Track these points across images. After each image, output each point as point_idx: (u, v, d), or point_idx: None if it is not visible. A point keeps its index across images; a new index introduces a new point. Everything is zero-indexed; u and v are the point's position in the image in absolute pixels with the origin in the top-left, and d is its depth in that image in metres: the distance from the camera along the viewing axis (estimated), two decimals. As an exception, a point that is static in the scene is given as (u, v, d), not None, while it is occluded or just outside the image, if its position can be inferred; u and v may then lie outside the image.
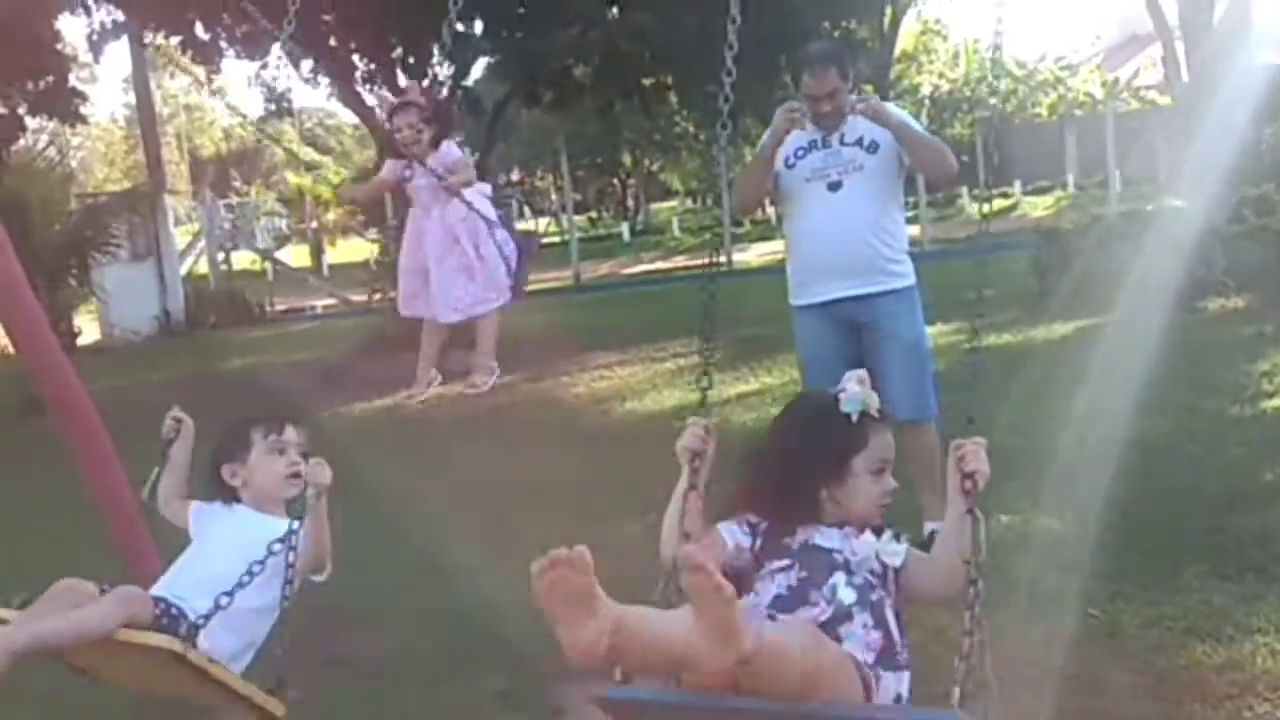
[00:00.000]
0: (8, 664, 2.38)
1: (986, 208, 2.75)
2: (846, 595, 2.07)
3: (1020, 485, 5.13)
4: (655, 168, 34.82)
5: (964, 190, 26.84)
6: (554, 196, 33.88)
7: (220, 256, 21.65)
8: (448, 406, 9.34)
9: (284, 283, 20.76)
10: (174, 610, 2.65)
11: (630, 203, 34.96)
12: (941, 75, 31.35)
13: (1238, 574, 3.89)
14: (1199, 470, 5.05)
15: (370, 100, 12.93)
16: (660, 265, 22.36)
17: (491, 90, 13.82)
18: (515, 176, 33.52)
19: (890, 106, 4.43)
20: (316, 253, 28.51)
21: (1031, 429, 6.13)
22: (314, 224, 30.07)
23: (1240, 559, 4.00)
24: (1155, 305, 9.68)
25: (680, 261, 22.66)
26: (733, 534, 2.25)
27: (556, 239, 30.53)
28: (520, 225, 34.48)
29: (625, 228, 31.38)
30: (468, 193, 4.61)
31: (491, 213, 4.75)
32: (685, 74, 11.82)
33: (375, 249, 16.38)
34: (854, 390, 2.19)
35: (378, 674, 3.89)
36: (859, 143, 4.28)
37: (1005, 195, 27.55)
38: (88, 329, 17.47)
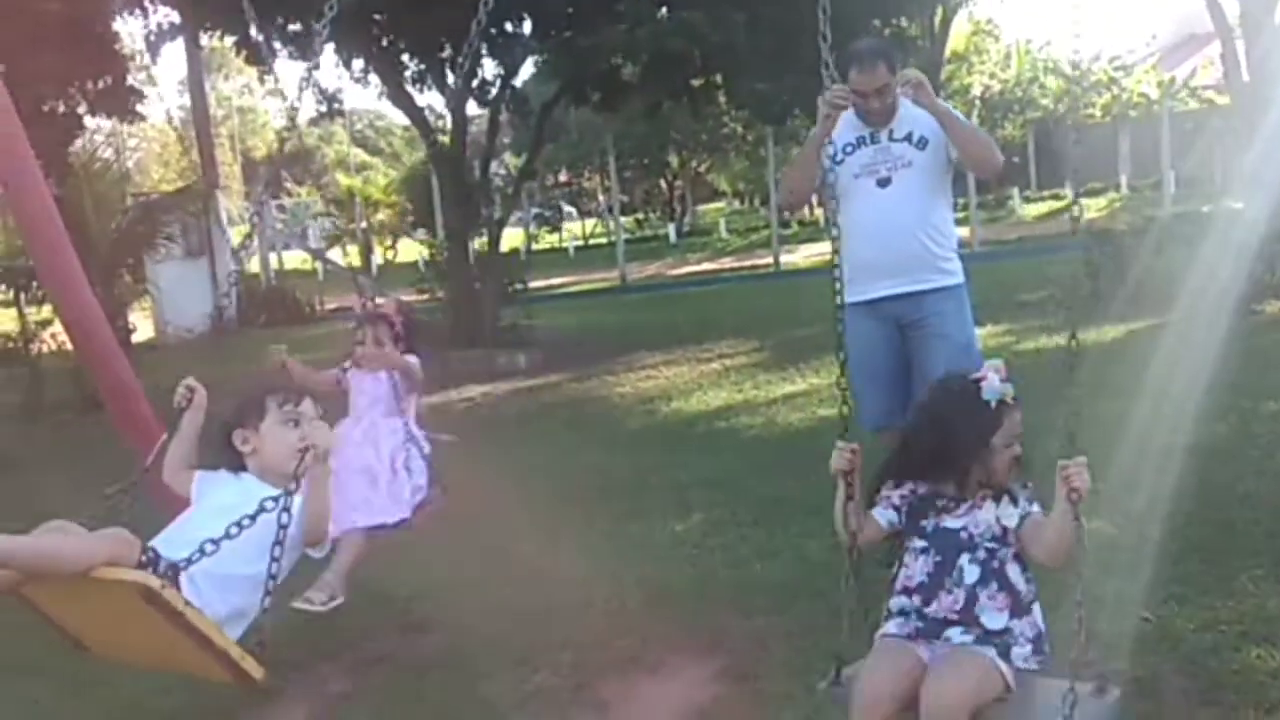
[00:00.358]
0: None
1: (1076, 210, 3.36)
2: (971, 573, 2.53)
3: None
4: (702, 169, 34.80)
5: (1014, 191, 26.60)
6: (601, 197, 33.96)
7: (272, 255, 21.93)
8: (494, 404, 9.41)
9: (333, 282, 20.97)
10: (161, 560, 2.63)
11: (677, 204, 34.93)
12: (993, 76, 31.04)
13: (1295, 580, 3.82)
14: (1256, 475, 4.96)
15: (420, 101, 13.03)
16: (707, 266, 22.32)
17: (540, 90, 13.86)
18: (563, 177, 33.60)
19: (935, 99, 4.33)
20: (365, 253, 28.79)
21: (1085, 432, 6.06)
22: (363, 224, 30.35)
23: (1299, 565, 3.92)
24: (1211, 308, 9.52)
25: (727, 263, 22.62)
26: (884, 515, 2.70)
27: (603, 240, 30.62)
28: (568, 226, 34.59)
29: (672, 229, 31.38)
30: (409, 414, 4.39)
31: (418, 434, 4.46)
32: (734, 73, 11.77)
33: (425, 250, 16.53)
34: (994, 381, 2.60)
35: (423, 669, 3.90)
36: (908, 138, 4.25)
37: (1058, 198, 27.26)
38: (141, 327, 17.77)
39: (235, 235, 21.25)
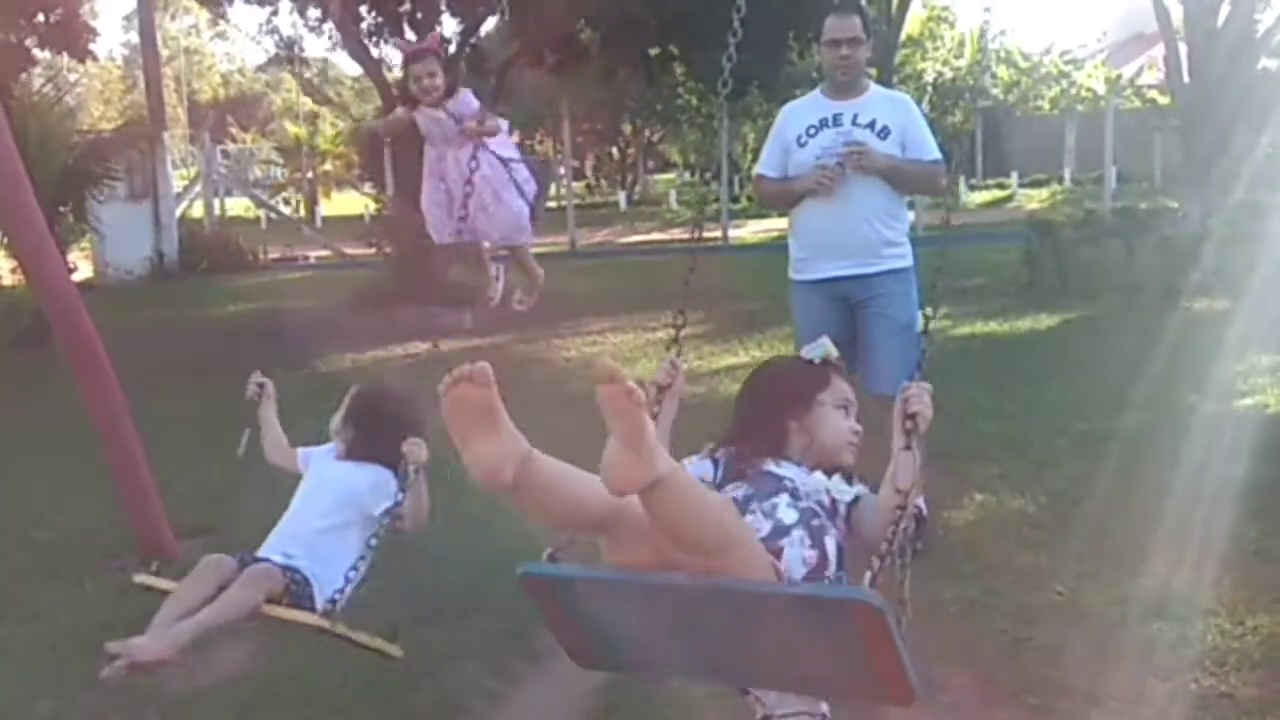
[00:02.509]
0: (182, 654, 2.87)
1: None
2: (787, 515, 2.20)
3: (997, 467, 5.30)
4: (655, 139, 34.78)
5: (961, 179, 26.95)
6: (552, 161, 33.84)
7: (215, 202, 21.64)
8: (437, 361, 9.46)
9: (278, 231, 20.76)
10: (299, 577, 3.10)
11: (628, 172, 34.92)
12: (946, 63, 31.35)
13: (1198, 560, 4.04)
14: (1171, 464, 5.20)
15: (376, 54, 12.95)
16: (656, 236, 22.40)
17: (498, 50, 13.84)
18: (515, 139, 33.44)
19: (875, 153, 4.32)
20: (311, 203, 28.47)
21: (1011, 414, 6.30)
22: (310, 175, 30.00)
23: (1202, 547, 4.14)
24: (1142, 302, 9.87)
25: (676, 234, 22.72)
26: (698, 468, 2.37)
27: (552, 204, 30.56)
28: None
29: (622, 197, 31.38)
30: (490, 140, 4.73)
31: (513, 152, 4.89)
32: (692, 44, 11.86)
33: (370, 203, 16.43)
34: (819, 341, 2.42)
35: (362, 614, 4.00)
36: (871, 126, 4.37)
37: (1002, 186, 27.69)
38: (81, 266, 17.49)
39: (178, 180, 20.93)
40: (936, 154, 4.48)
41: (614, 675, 3.46)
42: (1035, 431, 5.89)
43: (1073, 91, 28.97)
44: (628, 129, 32.33)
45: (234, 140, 37.59)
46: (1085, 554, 4.21)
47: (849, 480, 2.31)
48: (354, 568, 3.14)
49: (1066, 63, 29.86)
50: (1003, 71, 31.36)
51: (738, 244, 18.87)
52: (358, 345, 9.93)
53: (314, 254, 19.64)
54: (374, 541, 3.18)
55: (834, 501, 2.26)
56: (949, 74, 30.49)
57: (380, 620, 3.88)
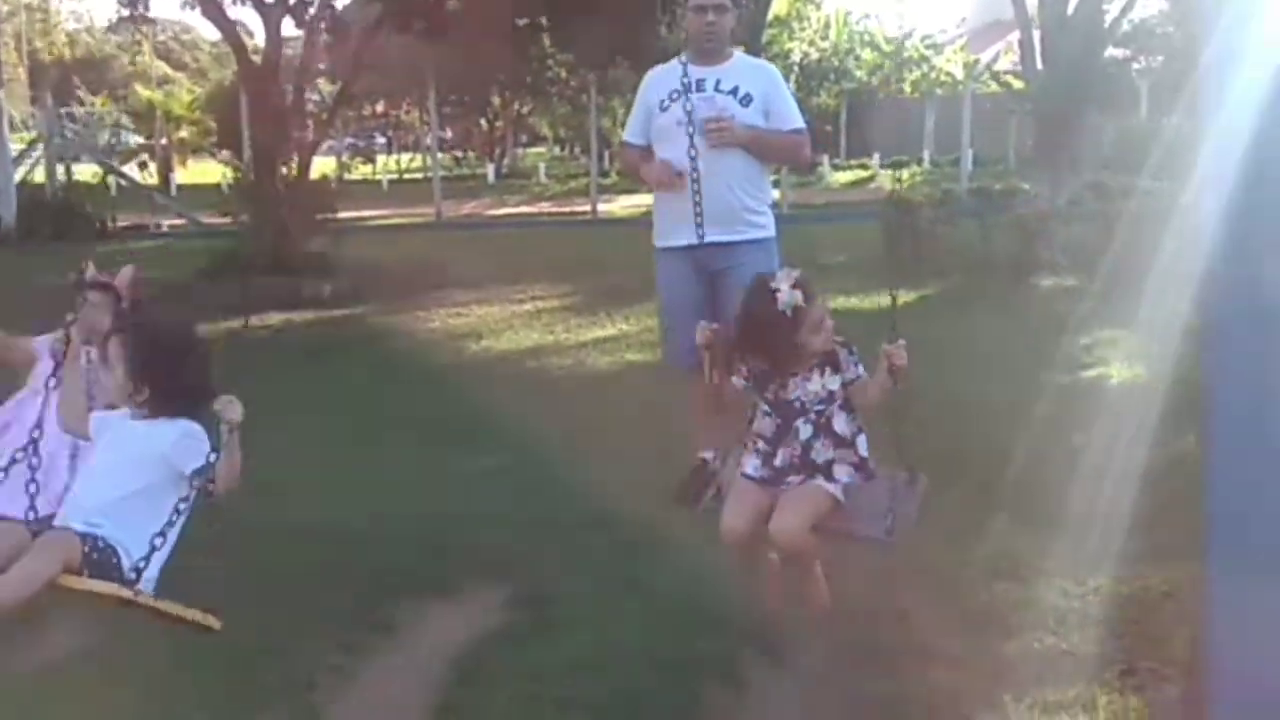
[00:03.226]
0: None
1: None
2: (805, 432, 3.26)
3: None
4: (524, 111, 34.45)
5: (825, 159, 27.45)
6: (420, 132, 33.23)
7: (60, 167, 20.58)
8: (296, 332, 9.20)
9: (129, 199, 19.87)
10: (101, 544, 2.85)
11: (497, 145, 34.51)
12: (812, 43, 31.81)
13: (1041, 524, 4.18)
14: (1019, 432, 5.36)
15: (233, 15, 12.46)
16: (525, 209, 22.21)
17: (362, 14, 13.46)
18: (380, 108, 32.67)
19: (735, 125, 4.30)
20: (165, 171, 27.35)
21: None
22: (164, 140, 28.80)
23: (1045, 512, 4.28)
24: (994, 279, 10.20)
25: (545, 208, 22.57)
26: (739, 381, 3.38)
27: (419, 175, 30.00)
28: (383, 159, 33.75)
29: (490, 169, 31.02)
30: None
31: None
32: (559, 15, 11.74)
33: (227, 171, 15.85)
34: (785, 294, 3.16)
35: (202, 590, 3.84)
36: (734, 92, 4.36)
37: (865, 167, 28.30)
38: (-92, 231, 16.44)
39: (16, 142, 19.84)
40: (799, 123, 4.49)
41: (468, 646, 3.40)
42: (888, 403, 6.00)
43: (933, 75, 29.74)
44: (496, 100, 31.92)
45: (81, 103, 35.82)
46: (934, 519, 4.29)
47: (836, 365, 3.30)
48: (161, 534, 2.93)
49: (927, 47, 30.64)
50: (867, 54, 32.01)
51: (607, 218, 18.83)
52: (212, 316, 9.55)
53: (167, 223, 18.89)
54: (183, 506, 2.97)
55: (830, 392, 3.25)
56: (815, 55, 30.98)
57: (209, 598, 3.74)
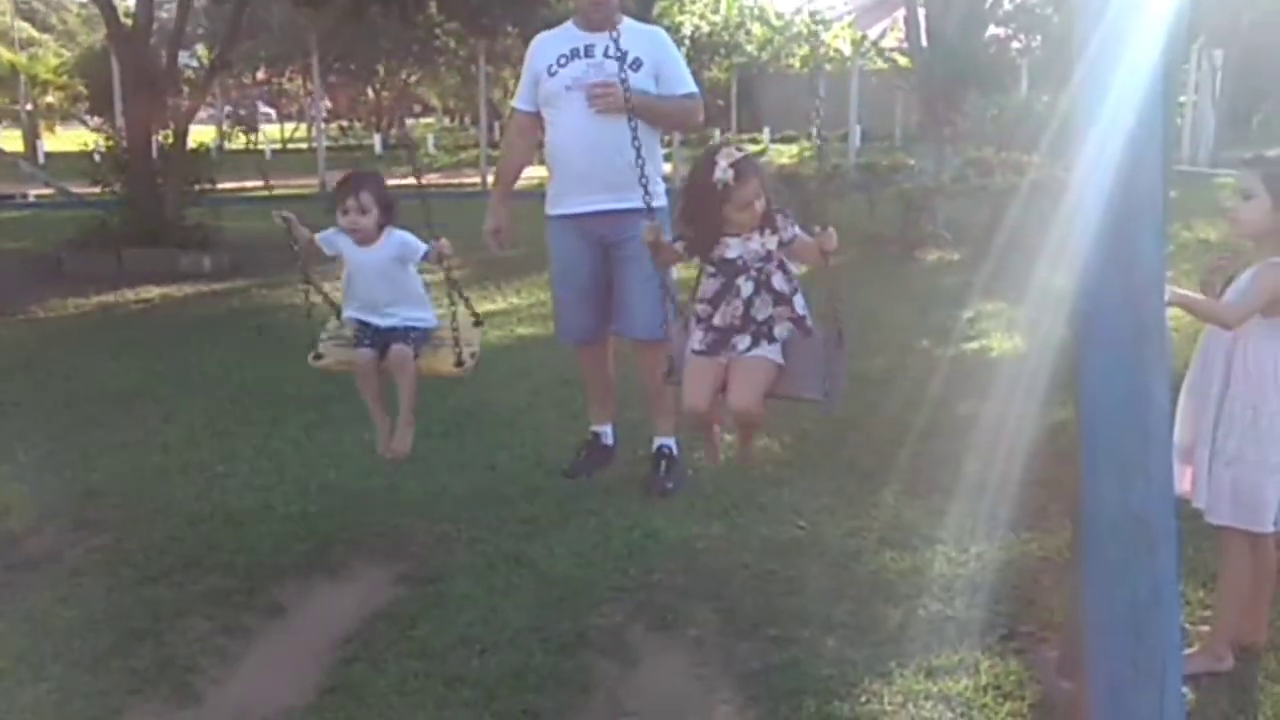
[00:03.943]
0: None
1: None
2: (746, 289, 3.35)
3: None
4: (413, 80, 33.81)
5: (716, 133, 27.57)
6: (303, 101, 32.37)
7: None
8: (174, 307, 8.89)
9: (-9, 167, 18.96)
10: (414, 333, 3.96)
11: (384, 115, 33.81)
12: (703, 17, 31.87)
13: (928, 493, 4.28)
14: (906, 402, 5.47)
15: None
16: (412, 181, 21.81)
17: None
18: (261, 76, 31.72)
19: (622, 91, 4.13)
20: (31, 138, 26.15)
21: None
22: (29, 107, 27.51)
23: (931, 481, 4.38)
24: (880, 253, 10.38)
25: (434, 179, 22.21)
26: (678, 246, 3.48)
27: (304, 145, 29.24)
28: (265, 128, 32.84)
29: (378, 139, 30.39)
30: None
31: None
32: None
33: (99, 139, 15.18)
34: (719, 167, 3.25)
35: (80, 573, 3.70)
36: (623, 58, 4.28)
37: (755, 141, 28.51)
38: None
39: None
40: (691, 87, 4.45)
41: (352, 626, 3.33)
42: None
43: (822, 51, 30.06)
44: (382, 69, 31.25)
45: (-62, 66, 33.96)
46: (825, 490, 4.36)
47: (774, 226, 3.36)
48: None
49: (816, 23, 30.92)
50: (757, 29, 32.21)
51: (497, 191, 18.62)
52: (83, 290, 9.18)
53: (34, 192, 18.05)
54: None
55: (769, 252, 3.34)
56: (706, 29, 31.06)
57: (98, 582, 3.61)
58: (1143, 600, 2.05)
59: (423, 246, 3.94)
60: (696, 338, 3.46)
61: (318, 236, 4.07)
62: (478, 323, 4.19)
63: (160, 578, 3.62)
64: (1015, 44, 24.36)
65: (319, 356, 4.16)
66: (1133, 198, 2.01)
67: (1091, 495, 2.11)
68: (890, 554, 3.76)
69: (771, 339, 3.38)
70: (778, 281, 3.39)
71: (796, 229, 3.41)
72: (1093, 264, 2.06)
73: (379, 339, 3.98)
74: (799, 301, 3.43)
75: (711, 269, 3.45)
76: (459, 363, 3.95)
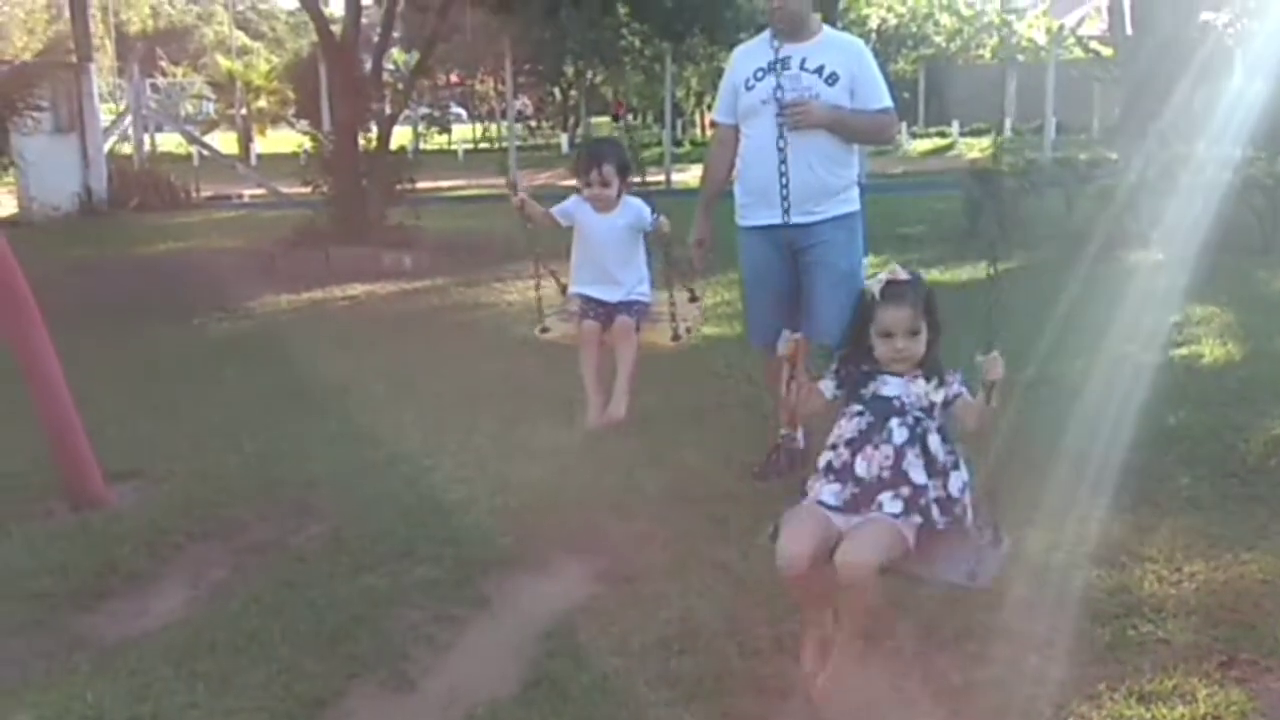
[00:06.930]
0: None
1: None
2: (900, 435, 2.87)
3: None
4: (598, 80, 34.36)
5: (903, 127, 27.01)
6: (493, 102, 33.30)
7: (145, 137, 21.03)
8: (378, 303, 9.32)
9: (210, 168, 20.24)
10: (637, 307, 4.51)
11: (571, 114, 34.49)
12: (889, 9, 31.28)
13: (1134, 507, 4.11)
14: (1108, 412, 5.26)
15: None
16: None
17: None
18: (454, 78, 32.82)
19: (817, 107, 4.25)
20: (244, 141, 27.80)
21: (951, 363, 6.31)
22: (243, 111, 29.26)
23: (1139, 494, 4.21)
24: (1079, 252, 9.96)
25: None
26: (827, 386, 3.06)
27: (493, 145, 30.09)
28: (457, 129, 33.93)
29: (564, 139, 31.03)
30: None
31: None
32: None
33: (307, 141, 16.04)
34: (877, 278, 3.01)
35: (305, 557, 3.94)
36: (819, 71, 4.29)
37: (944, 135, 27.80)
38: (4, 202, 16.92)
39: (105, 114, 20.28)
40: (887, 102, 4.42)
41: (553, 621, 3.44)
42: (973, 378, 5.91)
43: (1014, 41, 29.07)
44: (570, 70, 31.87)
45: (164, 74, 36.48)
46: (1024, 502, 4.24)
47: (940, 377, 2.96)
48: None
49: (1008, 12, 29.95)
50: (945, 20, 31.40)
51: (681, 188, 18.74)
52: (294, 286, 9.73)
53: (248, 193, 19.21)
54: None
55: (932, 404, 2.91)
56: (893, 21, 30.47)
57: (319, 568, 3.84)
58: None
59: (650, 215, 4.35)
60: (827, 490, 2.87)
61: (554, 210, 4.39)
62: (693, 299, 4.34)
63: (376, 566, 3.82)
64: (1230, 29, 23.01)
65: (545, 330, 4.41)
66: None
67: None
68: (1095, 571, 3.63)
69: (926, 514, 2.81)
70: (934, 444, 2.87)
71: (963, 387, 2.92)
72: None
73: (603, 313, 4.23)
74: (956, 481, 2.88)
75: (858, 407, 2.95)
76: (675, 336, 4.13)
